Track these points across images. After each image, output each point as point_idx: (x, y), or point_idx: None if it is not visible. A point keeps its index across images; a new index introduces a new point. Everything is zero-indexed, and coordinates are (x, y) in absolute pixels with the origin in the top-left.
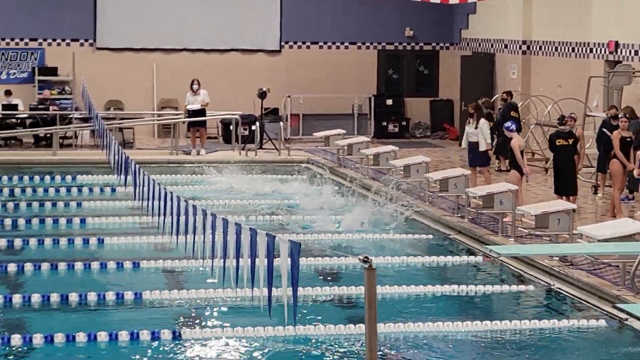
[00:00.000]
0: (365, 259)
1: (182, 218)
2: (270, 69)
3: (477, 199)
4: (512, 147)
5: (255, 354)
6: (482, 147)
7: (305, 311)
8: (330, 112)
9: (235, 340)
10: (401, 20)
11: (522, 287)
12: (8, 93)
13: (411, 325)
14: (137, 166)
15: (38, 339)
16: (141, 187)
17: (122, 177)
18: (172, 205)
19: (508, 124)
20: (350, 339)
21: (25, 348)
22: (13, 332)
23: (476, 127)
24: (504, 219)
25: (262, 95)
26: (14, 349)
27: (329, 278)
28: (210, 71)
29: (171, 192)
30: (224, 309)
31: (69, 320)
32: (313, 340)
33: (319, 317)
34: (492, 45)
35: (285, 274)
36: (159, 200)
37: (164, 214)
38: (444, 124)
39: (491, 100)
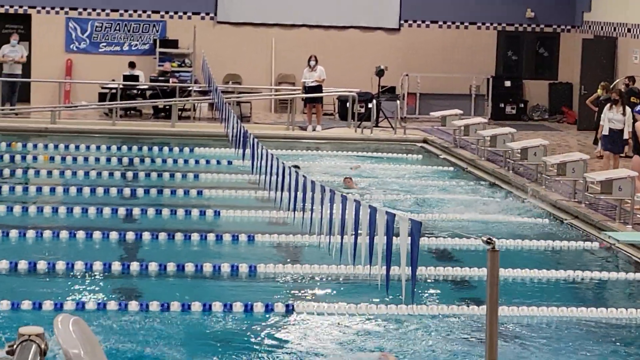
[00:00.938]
0: (488, 241)
1: (300, 193)
2: (388, 47)
3: (595, 185)
4: (636, 130)
5: (369, 331)
6: (627, 134)
7: (421, 290)
8: (447, 92)
9: (350, 317)
10: (522, 1)
11: (638, 275)
12: (132, 65)
13: (525, 309)
14: (255, 140)
15: (154, 307)
16: (259, 161)
17: (240, 150)
18: (289, 180)
19: (638, 107)
20: (465, 320)
21: (142, 315)
22: (130, 299)
23: (624, 114)
24: (623, 206)
25: (380, 73)
26: (131, 315)
27: (445, 258)
28: (328, 47)
29: (289, 167)
30: (339, 285)
31: (184, 290)
32: (429, 319)
33: (435, 297)
34: (614, 29)
35: (404, 252)
36: (277, 174)
37: (282, 189)
38: (563, 107)
39: (611, 85)
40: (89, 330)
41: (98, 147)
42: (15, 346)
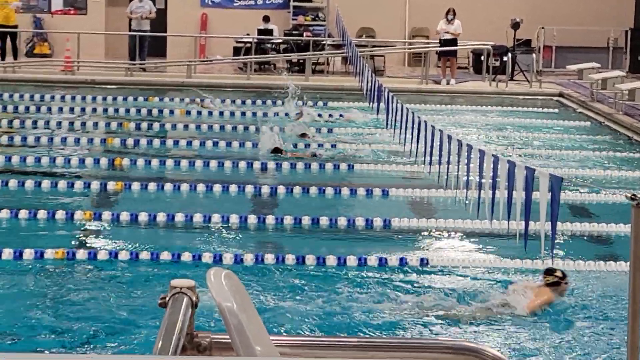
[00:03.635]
0: (632, 197)
1: (436, 147)
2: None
3: None
4: None
5: (504, 285)
6: None
7: (558, 245)
8: (584, 44)
9: (485, 271)
10: None
11: None
12: (266, 19)
13: None
14: (391, 94)
15: (290, 260)
16: (393, 115)
17: (375, 104)
18: (425, 134)
19: None
20: (603, 276)
21: (278, 267)
22: (268, 252)
23: None
24: None
25: (515, 25)
26: (268, 267)
27: (582, 213)
28: (464, 0)
29: (425, 121)
30: (475, 239)
31: (319, 243)
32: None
33: (571, 252)
34: None
35: (544, 208)
36: (412, 128)
37: (416, 143)
38: None
39: None
40: (240, 284)
41: (233, 101)
42: (167, 299)
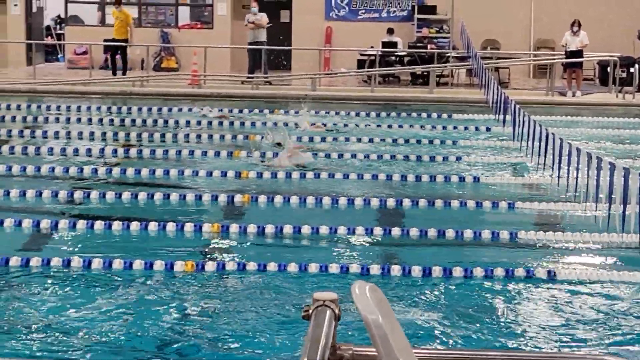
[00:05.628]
0: None
1: (564, 160)
2: None
3: None
4: None
5: (635, 299)
6: None
7: None
8: None
9: (614, 285)
10: None
11: None
12: (390, 31)
13: None
14: (517, 106)
15: (416, 272)
16: (520, 127)
17: (501, 116)
18: (553, 147)
19: None
20: None
21: (400, 279)
22: (392, 263)
23: None
24: None
25: None
26: (392, 279)
27: None
28: (588, 11)
29: (553, 134)
30: (605, 252)
31: (445, 255)
32: None
33: None
34: None
35: None
36: (539, 141)
37: (544, 155)
38: None
39: None
40: (383, 297)
41: (357, 114)
42: (311, 311)
